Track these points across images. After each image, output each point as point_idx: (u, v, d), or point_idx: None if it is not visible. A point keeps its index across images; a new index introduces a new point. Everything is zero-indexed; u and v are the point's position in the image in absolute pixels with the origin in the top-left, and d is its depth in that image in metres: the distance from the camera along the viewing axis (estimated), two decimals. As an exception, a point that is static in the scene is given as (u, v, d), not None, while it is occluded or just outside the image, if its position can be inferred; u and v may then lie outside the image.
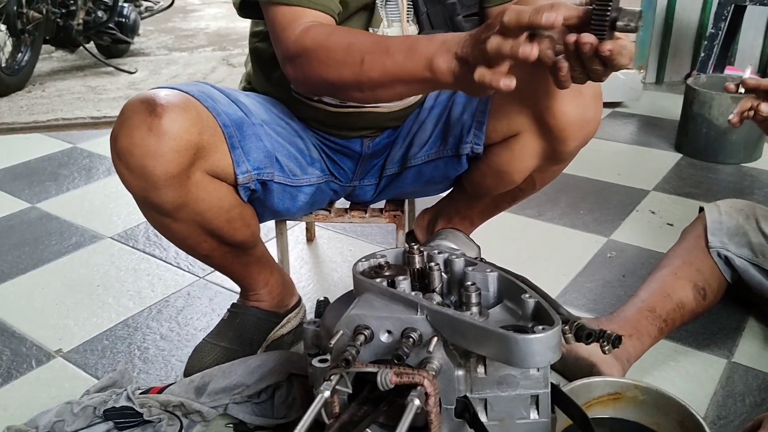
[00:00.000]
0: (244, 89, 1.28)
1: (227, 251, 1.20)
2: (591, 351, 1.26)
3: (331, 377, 0.79)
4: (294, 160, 1.20)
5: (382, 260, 0.95)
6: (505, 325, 0.76)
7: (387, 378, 0.76)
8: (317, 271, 1.72)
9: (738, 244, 1.41)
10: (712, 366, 1.33)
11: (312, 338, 0.96)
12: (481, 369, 0.82)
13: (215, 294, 1.62)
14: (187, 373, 1.30)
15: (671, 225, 1.87)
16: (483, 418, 0.84)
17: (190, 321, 1.52)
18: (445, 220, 1.44)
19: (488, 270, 0.88)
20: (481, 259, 0.94)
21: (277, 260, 1.54)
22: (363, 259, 0.95)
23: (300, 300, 1.50)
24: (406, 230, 1.55)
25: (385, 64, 0.91)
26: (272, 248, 1.61)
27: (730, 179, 2.16)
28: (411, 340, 0.78)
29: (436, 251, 0.95)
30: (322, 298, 1.53)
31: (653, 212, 1.95)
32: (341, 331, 0.83)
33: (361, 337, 0.80)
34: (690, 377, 1.30)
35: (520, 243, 1.80)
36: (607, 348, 0.79)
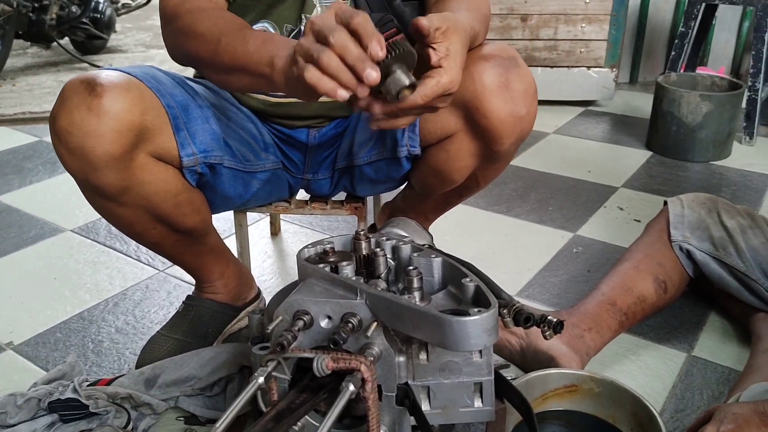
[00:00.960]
0: (195, 77, 1.26)
1: (178, 239, 1.18)
2: (550, 345, 1.24)
3: (267, 363, 0.77)
4: (246, 146, 1.17)
5: (328, 246, 0.93)
6: (444, 309, 0.75)
7: (323, 364, 0.74)
8: (281, 265, 1.70)
9: (699, 237, 1.40)
10: (672, 359, 1.32)
11: (257, 326, 0.94)
12: (423, 356, 0.80)
13: (174, 287, 1.59)
14: (140, 365, 1.27)
15: (638, 221, 1.86)
16: (425, 406, 0.82)
17: (147, 314, 1.49)
18: (402, 215, 1.43)
19: (433, 255, 0.86)
20: (430, 246, 0.92)
21: (236, 253, 1.51)
22: (309, 246, 0.93)
23: (260, 293, 1.47)
24: (368, 223, 1.53)
25: (236, 50, 0.91)
26: (232, 241, 1.59)
27: (699, 177, 2.16)
28: (349, 325, 0.76)
29: (384, 238, 0.93)
30: (282, 291, 1.52)
31: (621, 209, 1.95)
32: (280, 317, 0.81)
33: (300, 323, 0.78)
34: (650, 370, 1.29)
35: (487, 238, 1.79)
36: (548, 333, 0.77)
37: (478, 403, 0.82)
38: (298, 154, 1.27)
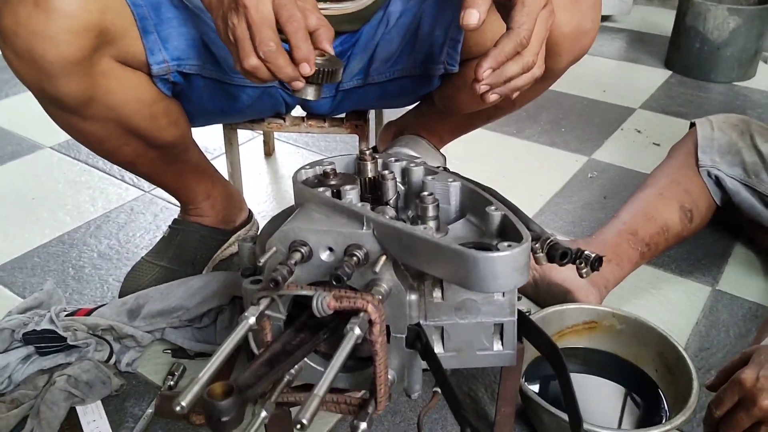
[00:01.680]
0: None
1: (155, 156, 1.06)
2: (566, 276, 1.15)
3: (260, 301, 0.66)
4: (235, 54, 1.04)
5: (328, 167, 0.81)
6: (466, 242, 0.64)
7: (324, 303, 0.64)
8: (275, 188, 1.58)
9: (730, 163, 1.29)
10: (695, 294, 1.23)
11: (248, 256, 0.84)
12: (437, 293, 0.70)
13: (161, 209, 1.48)
14: (122, 294, 1.18)
15: (657, 145, 1.75)
16: (438, 348, 0.73)
17: (131, 238, 1.39)
18: (412, 134, 1.31)
19: (450, 180, 0.74)
20: (445, 169, 0.80)
21: (226, 174, 1.40)
22: (307, 166, 0.81)
23: (251, 215, 1.37)
24: (371, 144, 1.41)
25: None
26: (222, 161, 1.47)
27: (722, 98, 2.03)
28: (354, 258, 0.66)
29: (392, 159, 0.82)
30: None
31: (639, 131, 1.82)
32: (274, 248, 0.70)
33: (297, 255, 0.68)
34: (672, 305, 1.21)
35: (496, 161, 1.67)
36: (585, 270, 0.67)
37: (497, 346, 0.73)
38: None
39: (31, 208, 1.49)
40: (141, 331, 1.07)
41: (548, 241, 0.65)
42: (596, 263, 0.67)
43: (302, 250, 0.68)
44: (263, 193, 1.56)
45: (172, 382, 1.03)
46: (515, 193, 1.53)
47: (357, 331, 0.61)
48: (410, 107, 1.32)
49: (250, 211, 1.36)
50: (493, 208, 0.67)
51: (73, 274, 1.28)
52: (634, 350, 1.03)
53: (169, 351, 1.10)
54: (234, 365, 1.07)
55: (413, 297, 0.69)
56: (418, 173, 0.79)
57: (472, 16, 0.72)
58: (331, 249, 0.69)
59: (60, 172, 1.63)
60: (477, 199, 0.72)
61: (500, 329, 0.72)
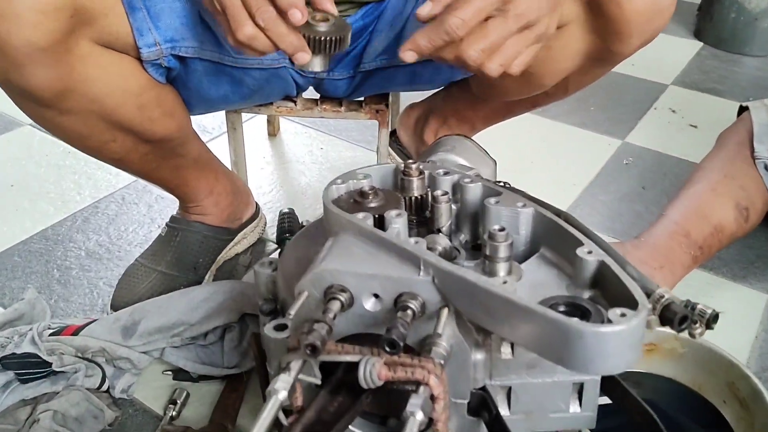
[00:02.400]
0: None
1: (148, 152, 0.91)
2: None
3: (290, 365, 0.53)
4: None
5: (365, 182, 0.67)
6: (553, 300, 0.51)
7: (373, 371, 0.51)
8: (281, 174, 1.44)
9: (792, 154, 1.16)
10: (751, 302, 1.12)
11: (266, 285, 0.70)
12: (506, 349, 0.57)
13: (155, 199, 1.33)
14: (115, 303, 1.05)
15: (695, 126, 1.61)
16: (504, 410, 0.60)
17: (123, 233, 1.25)
18: (439, 120, 1.16)
19: (519, 204, 0.61)
20: (505, 185, 0.67)
21: (230, 162, 1.25)
22: (338, 181, 0.67)
23: (258, 209, 1.23)
24: (390, 129, 1.26)
25: None
26: (223, 144, 1.32)
27: (760, 74, 1.88)
28: (410, 312, 0.53)
29: (441, 171, 0.68)
30: (286, 210, 1.26)
31: (673, 111, 1.68)
32: (305, 293, 0.57)
33: (335, 305, 0.54)
34: (726, 316, 1.08)
35: (522, 143, 1.53)
36: (698, 331, 0.54)
37: (574, 408, 0.60)
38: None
39: (9, 197, 1.34)
40: (137, 352, 0.94)
41: (663, 299, 0.52)
42: (713, 320, 0.54)
43: (341, 298, 0.55)
44: (268, 180, 1.41)
45: (174, 412, 0.91)
46: (546, 182, 1.41)
47: (419, 416, 0.48)
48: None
49: (257, 204, 1.22)
50: (586, 251, 0.53)
51: (58, 276, 1.15)
52: (699, 378, 0.91)
53: (170, 372, 0.97)
54: (246, 385, 0.95)
55: (479, 356, 0.56)
56: (475, 192, 0.65)
57: (423, 8, 0.65)
58: (377, 296, 0.56)
59: (41, 154, 1.47)
60: (554, 229, 0.59)
61: (579, 388, 0.59)
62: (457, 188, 0.67)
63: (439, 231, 0.63)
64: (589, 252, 0.53)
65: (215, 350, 0.97)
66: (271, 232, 1.25)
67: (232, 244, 1.16)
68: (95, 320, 0.97)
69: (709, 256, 1.15)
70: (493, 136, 1.44)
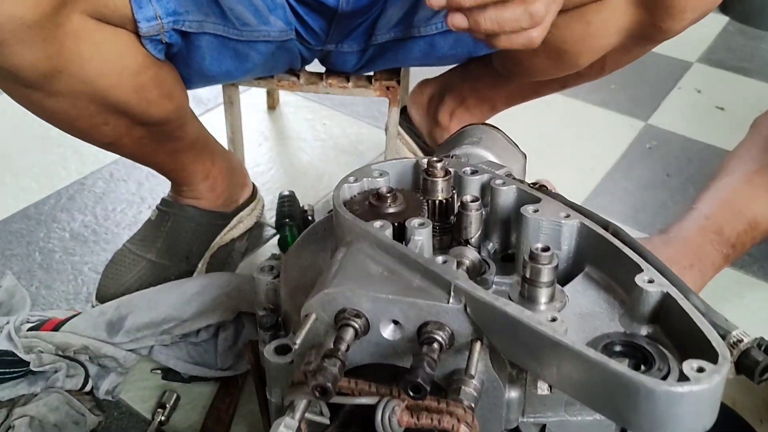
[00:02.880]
0: None
1: (142, 135, 0.82)
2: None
3: (295, 404, 0.45)
4: (245, 3, 0.78)
5: (381, 181, 0.59)
6: (605, 336, 0.43)
7: (393, 418, 0.43)
8: (280, 152, 1.35)
9: (834, 145, 1.07)
10: (784, 304, 1.04)
11: (266, 294, 0.62)
12: (543, 385, 0.49)
13: (146, 176, 1.24)
14: (101, 295, 0.97)
15: (721, 109, 1.51)
16: (537, 450, 0.53)
17: (111, 213, 1.16)
18: (456, 99, 1.07)
19: (562, 215, 0.52)
20: (541, 187, 0.58)
21: (225, 138, 1.16)
22: (351, 179, 0.59)
23: (255, 191, 1.14)
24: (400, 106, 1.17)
25: None
26: (218, 117, 1.22)
27: (789, 53, 1.78)
28: (436, 346, 0.45)
29: (468, 170, 0.59)
30: (286, 192, 1.18)
31: (699, 91, 1.59)
32: (313, 316, 0.48)
33: (349, 332, 0.46)
34: (758, 319, 1.02)
35: (539, 123, 1.43)
36: (776, 379, 0.47)
37: (617, 449, 0.53)
38: (320, 21, 0.87)
39: (-10, 171, 1.25)
40: (123, 350, 0.87)
41: (742, 344, 0.44)
42: (795, 366, 0.46)
43: (356, 325, 0.47)
44: (266, 158, 1.32)
45: (163, 417, 0.84)
46: (565, 166, 1.32)
47: (449, 477, 0.40)
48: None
49: (254, 186, 1.13)
50: (646, 278, 0.45)
51: (40, 260, 1.06)
52: (732, 393, 0.84)
53: (159, 371, 0.90)
54: (241, 388, 0.87)
55: (514, 394, 0.48)
56: (508, 196, 0.57)
57: None
58: (396, 322, 0.48)
59: (24, 124, 1.36)
60: (603, 246, 0.51)
61: (623, 428, 0.52)
62: (486, 190, 0.59)
63: (467, 242, 0.55)
64: (650, 281, 0.45)
65: (208, 348, 0.89)
66: (270, 216, 1.16)
67: (227, 228, 1.07)
68: (78, 314, 0.89)
69: (740, 253, 1.06)
70: (504, 112, 1.35)
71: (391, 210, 0.54)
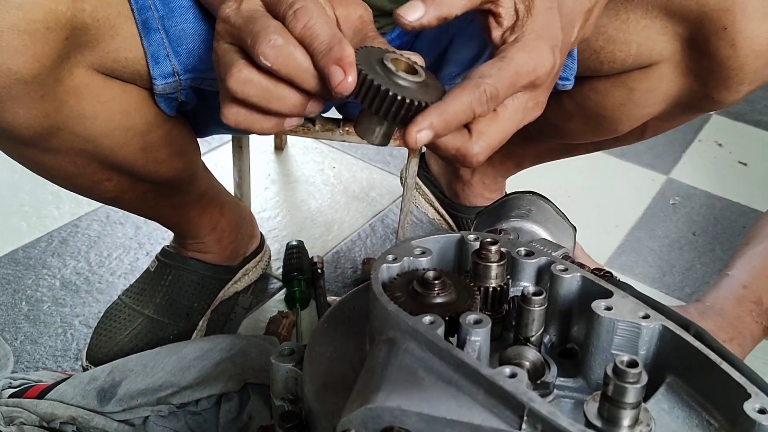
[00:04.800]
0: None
1: (147, 190, 0.75)
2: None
3: None
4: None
5: (423, 261, 0.52)
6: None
7: None
8: (288, 196, 1.28)
9: None
10: (826, 382, 0.97)
11: (285, 383, 0.54)
12: None
13: (145, 220, 1.16)
14: (93, 355, 0.89)
15: (744, 164, 1.46)
16: None
17: (106, 260, 1.08)
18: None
19: (641, 314, 0.45)
20: (605, 274, 0.51)
21: (232, 183, 1.09)
22: (390, 257, 0.51)
23: (263, 241, 1.07)
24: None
25: None
26: (224, 159, 1.16)
27: (808, 106, 1.74)
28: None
29: (522, 250, 0.52)
30: (294, 242, 1.11)
31: (720, 144, 1.54)
32: (353, 432, 0.41)
33: (396, 457, 0.39)
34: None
35: (556, 174, 1.37)
36: None
37: None
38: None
39: (-23, 209, 1.17)
40: (115, 421, 0.78)
41: None
42: None
43: (404, 447, 0.39)
44: (273, 203, 1.25)
45: (156, 500, 0.75)
46: (587, 222, 1.24)
47: None
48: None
49: (261, 235, 1.06)
50: (756, 407, 0.38)
51: (26, 311, 0.98)
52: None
53: (153, 444, 0.81)
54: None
55: None
56: (571, 286, 0.50)
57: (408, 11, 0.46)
58: (452, 445, 0.40)
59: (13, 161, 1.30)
60: (691, 355, 0.44)
61: None
62: (543, 275, 0.52)
63: (527, 341, 0.47)
64: (761, 410, 0.38)
65: (209, 419, 0.81)
66: (276, 267, 1.09)
67: (231, 283, 1.00)
68: (67, 378, 0.81)
69: (779, 325, 1.00)
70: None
71: (439, 300, 0.47)
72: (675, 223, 1.27)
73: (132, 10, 0.58)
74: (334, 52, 0.42)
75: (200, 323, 0.94)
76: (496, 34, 0.49)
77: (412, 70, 0.48)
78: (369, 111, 0.46)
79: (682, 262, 1.18)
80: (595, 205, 1.30)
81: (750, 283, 0.98)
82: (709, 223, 1.28)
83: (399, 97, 0.45)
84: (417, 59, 0.50)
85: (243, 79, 0.44)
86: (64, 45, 0.54)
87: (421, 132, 0.45)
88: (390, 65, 0.46)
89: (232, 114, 0.46)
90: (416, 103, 0.46)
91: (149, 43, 0.60)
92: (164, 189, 0.77)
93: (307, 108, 0.47)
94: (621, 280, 0.51)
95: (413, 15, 0.46)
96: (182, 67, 0.62)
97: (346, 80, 0.43)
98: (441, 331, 0.44)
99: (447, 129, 0.46)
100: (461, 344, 0.44)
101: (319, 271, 1.06)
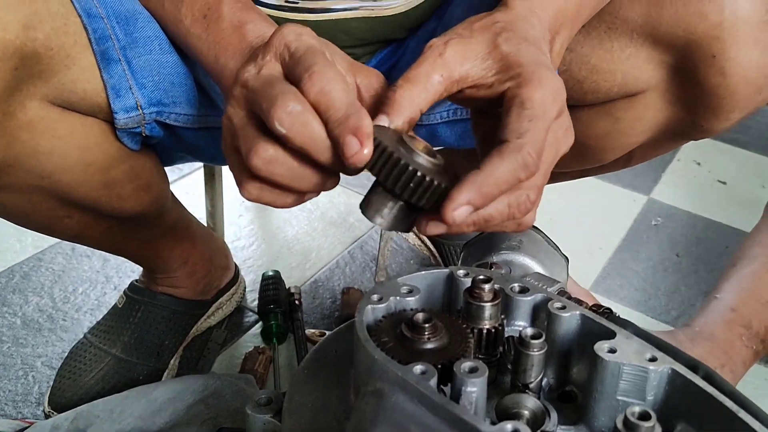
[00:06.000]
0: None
1: (111, 226, 0.71)
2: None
3: None
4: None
5: (411, 301, 0.48)
6: None
7: None
8: (263, 224, 1.23)
9: None
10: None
11: (264, 435, 0.50)
12: None
13: (113, 253, 1.12)
14: (55, 399, 0.83)
15: (723, 183, 1.46)
16: None
17: (70, 296, 1.03)
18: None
19: (647, 356, 0.42)
20: (605, 311, 0.48)
21: (204, 212, 1.05)
22: (374, 297, 0.48)
23: (237, 272, 1.03)
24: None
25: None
26: (194, 186, 1.12)
27: (783, 124, 1.76)
28: None
29: (515, 287, 0.49)
30: (270, 273, 1.06)
31: (698, 163, 1.53)
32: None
33: None
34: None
35: (537, 196, 1.35)
36: None
37: None
38: None
39: (-67, 243, 1.11)
40: (79, 473, 0.73)
41: None
42: None
43: None
44: (247, 231, 1.21)
45: None
46: (570, 245, 1.22)
47: None
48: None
49: (236, 266, 1.02)
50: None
51: (-15, 352, 0.92)
52: None
53: (121, 496, 0.76)
54: None
55: None
56: (569, 325, 0.46)
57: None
58: None
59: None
60: (703, 401, 0.40)
61: None
62: (539, 312, 0.49)
63: (526, 387, 0.44)
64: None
65: (181, 468, 0.76)
66: (251, 299, 1.05)
67: (204, 317, 0.95)
68: (27, 426, 0.75)
69: (769, 349, 0.99)
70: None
71: (430, 345, 0.43)
72: (658, 245, 1.25)
73: (89, 38, 0.54)
74: (350, 121, 0.40)
75: (172, 362, 0.89)
76: (488, 92, 0.46)
77: (431, 152, 0.44)
78: (381, 188, 0.43)
79: (667, 285, 1.16)
80: (577, 228, 1.28)
81: (738, 307, 0.96)
82: (691, 243, 1.26)
83: (419, 173, 0.42)
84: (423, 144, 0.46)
85: (269, 158, 0.41)
86: (13, 76, 0.50)
87: (457, 209, 0.41)
88: (409, 143, 0.43)
89: (255, 190, 0.43)
90: (436, 183, 0.42)
91: (109, 75, 0.56)
92: (130, 224, 0.72)
93: (325, 185, 0.43)
94: (622, 317, 0.48)
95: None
96: (146, 100, 0.58)
97: (361, 152, 0.40)
98: (434, 381, 0.40)
99: (487, 202, 0.42)
100: (456, 395, 0.40)
101: (296, 302, 1.01)
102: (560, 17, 0.51)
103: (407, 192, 0.42)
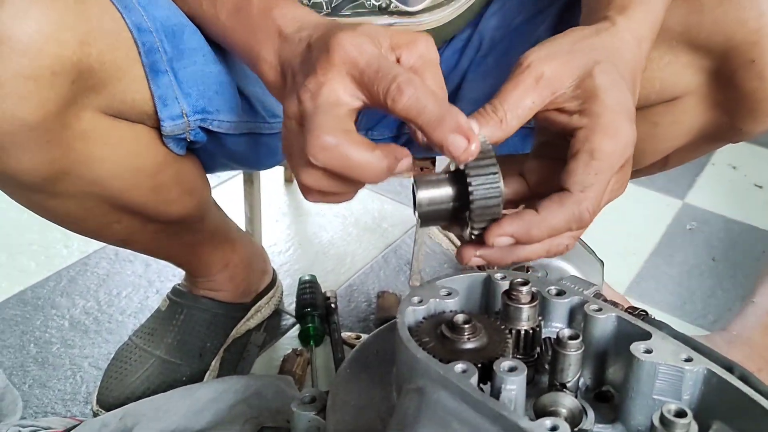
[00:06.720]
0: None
1: (158, 230, 0.74)
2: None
3: None
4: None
5: (450, 303, 0.49)
6: None
7: None
8: (299, 229, 1.26)
9: None
10: None
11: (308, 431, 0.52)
12: None
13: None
14: (103, 399, 0.86)
15: (760, 187, 1.44)
16: None
17: (116, 299, 1.06)
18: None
19: (683, 356, 0.43)
20: (640, 313, 0.49)
21: (243, 218, 1.08)
22: (415, 299, 0.49)
23: (275, 276, 1.05)
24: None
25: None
26: (234, 192, 1.14)
27: (821, 127, 1.73)
28: None
29: (552, 289, 0.50)
30: (307, 277, 1.09)
31: (734, 167, 1.52)
32: (385, 492, 0.38)
33: None
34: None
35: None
36: None
37: None
38: None
39: (-16, 248, 1.16)
40: (127, 469, 0.76)
41: None
42: None
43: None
44: (284, 236, 1.23)
45: None
46: (603, 251, 1.23)
47: None
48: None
49: (273, 271, 1.04)
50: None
51: (35, 353, 0.96)
52: None
53: (167, 492, 0.78)
54: None
55: None
56: (605, 327, 0.47)
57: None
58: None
59: (26, 196, 1.29)
60: (739, 401, 0.41)
61: None
62: (576, 314, 0.50)
63: (563, 386, 0.45)
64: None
65: (224, 465, 0.79)
66: (288, 302, 1.07)
67: (243, 320, 0.98)
68: (77, 424, 0.79)
69: (808, 353, 0.98)
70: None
71: (470, 345, 0.45)
72: (693, 249, 1.25)
73: (139, 51, 0.57)
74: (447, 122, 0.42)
75: (213, 363, 0.92)
76: (565, 121, 0.47)
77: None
78: (448, 183, 0.45)
79: (703, 289, 1.15)
80: (611, 233, 1.28)
81: (776, 311, 0.96)
82: (727, 248, 1.25)
83: (502, 191, 0.43)
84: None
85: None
86: (70, 89, 0.53)
87: (501, 237, 0.44)
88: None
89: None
90: (501, 207, 0.44)
91: (157, 86, 0.59)
92: (175, 228, 0.75)
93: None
94: (657, 319, 0.49)
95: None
96: (191, 108, 0.61)
97: (469, 147, 0.41)
98: (474, 379, 0.42)
99: (532, 242, 0.44)
100: (495, 393, 0.42)
101: (332, 306, 1.03)
102: (654, 31, 0.52)
103: (479, 202, 0.43)
